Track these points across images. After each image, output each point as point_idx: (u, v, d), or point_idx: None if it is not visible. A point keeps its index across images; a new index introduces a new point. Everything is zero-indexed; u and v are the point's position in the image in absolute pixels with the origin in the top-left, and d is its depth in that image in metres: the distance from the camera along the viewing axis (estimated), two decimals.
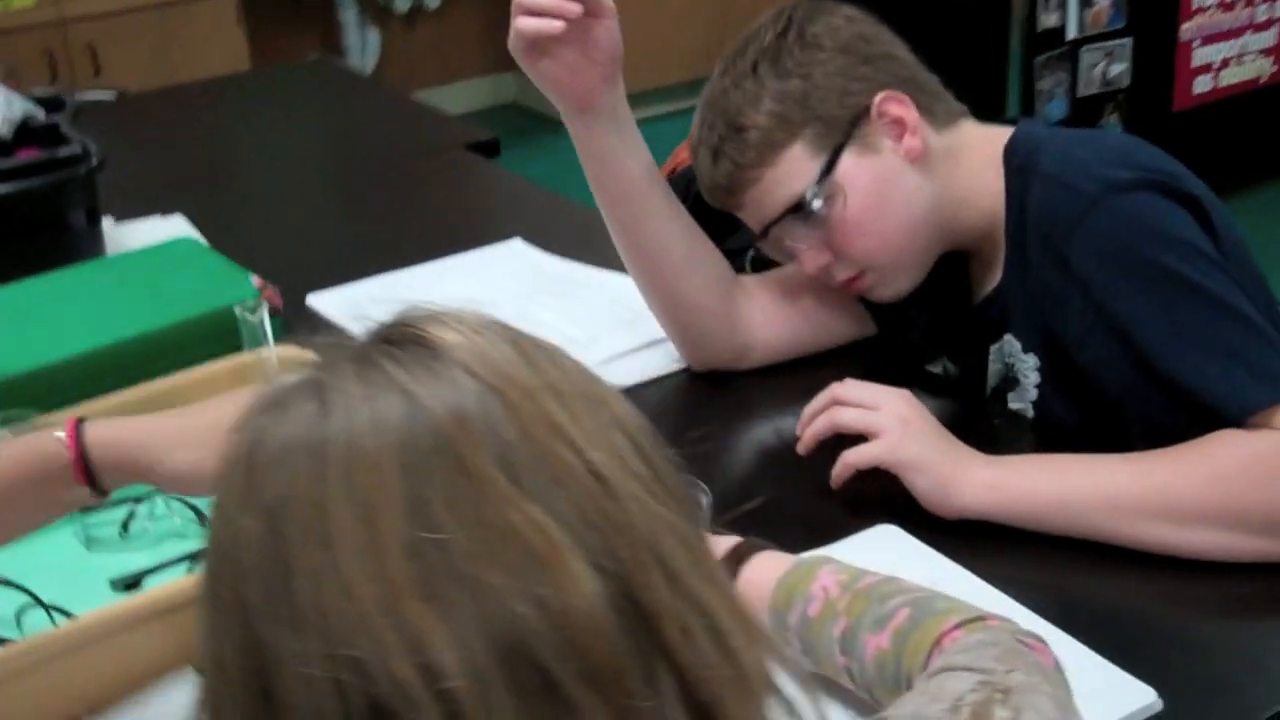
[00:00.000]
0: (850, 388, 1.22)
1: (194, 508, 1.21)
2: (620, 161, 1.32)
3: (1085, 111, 3.18)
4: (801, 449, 1.24)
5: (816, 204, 1.27)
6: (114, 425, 0.98)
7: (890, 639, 0.89)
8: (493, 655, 0.51)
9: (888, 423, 1.18)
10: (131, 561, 1.17)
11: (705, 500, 1.23)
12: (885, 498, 1.19)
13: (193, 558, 1.16)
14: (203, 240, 1.79)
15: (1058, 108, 3.07)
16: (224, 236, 1.81)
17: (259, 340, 1.26)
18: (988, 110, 1.39)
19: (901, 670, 0.88)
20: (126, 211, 1.90)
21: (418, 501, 0.52)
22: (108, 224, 1.87)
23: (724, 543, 1.02)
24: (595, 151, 1.32)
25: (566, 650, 0.52)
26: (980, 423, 1.37)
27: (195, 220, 1.87)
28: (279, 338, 1.39)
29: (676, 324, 1.44)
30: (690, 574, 0.56)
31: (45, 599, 1.06)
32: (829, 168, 1.26)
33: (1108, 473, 1.15)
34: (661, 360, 1.46)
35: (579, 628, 0.52)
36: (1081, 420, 1.30)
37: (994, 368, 1.38)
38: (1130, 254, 1.20)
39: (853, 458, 1.20)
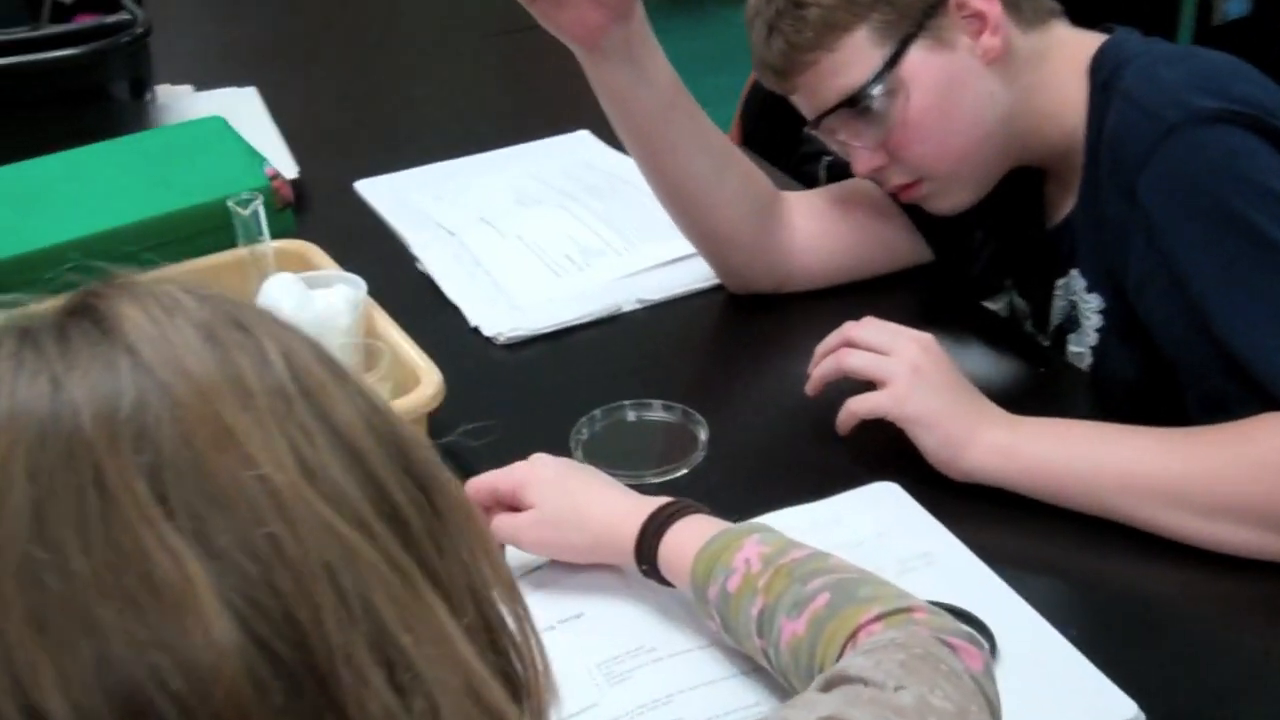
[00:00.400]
0: (864, 328, 1.11)
1: None
2: (635, 98, 1.21)
3: (1272, 9, 2.88)
4: (809, 390, 1.14)
5: (875, 99, 1.14)
6: None
7: (806, 625, 0.81)
8: (108, 707, 0.43)
9: (897, 370, 1.07)
10: None
11: (702, 435, 1.14)
12: (896, 451, 1.08)
13: None
14: (266, 114, 1.75)
15: (1236, 6, 2.79)
16: (288, 113, 1.77)
17: (252, 235, 1.21)
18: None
19: (815, 661, 0.80)
20: (209, 81, 1.87)
21: (41, 514, 0.45)
22: (184, 91, 1.85)
23: (652, 503, 0.94)
24: (606, 89, 1.21)
25: (196, 709, 0.44)
26: (1031, 375, 1.24)
27: (267, 94, 1.83)
28: (288, 232, 1.34)
29: (709, 254, 1.33)
30: (391, 619, 0.47)
31: None
32: (893, 60, 1.13)
33: (1134, 448, 1.02)
34: (699, 274, 1.36)
35: (211, 683, 0.44)
36: (1140, 377, 1.17)
37: (1058, 304, 1.25)
38: (1198, 193, 1.05)
39: (856, 405, 1.09)
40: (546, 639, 0.90)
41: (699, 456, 1.13)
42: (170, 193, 1.27)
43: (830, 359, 1.12)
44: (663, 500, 0.94)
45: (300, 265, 1.26)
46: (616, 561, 0.95)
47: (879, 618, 0.78)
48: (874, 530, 1.03)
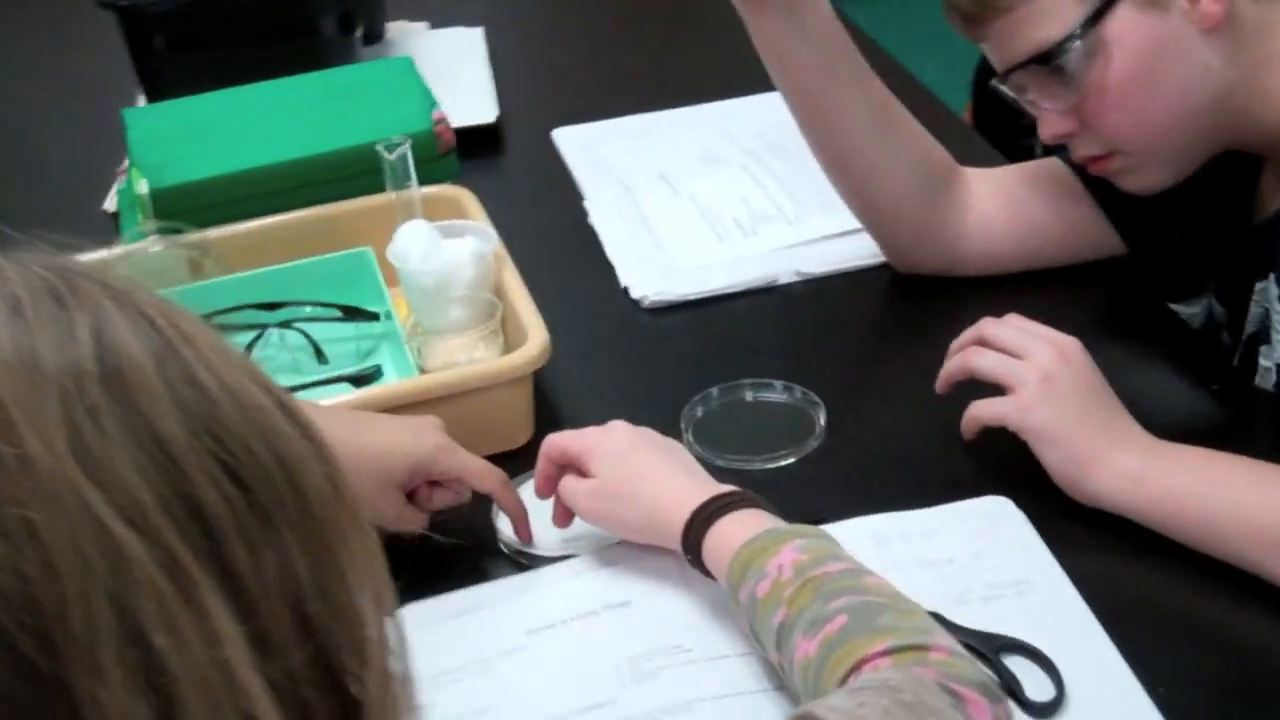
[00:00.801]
0: (1001, 326, 1.01)
1: (315, 345, 1.19)
2: (793, 54, 1.13)
3: None
4: (938, 387, 1.05)
5: (1071, 58, 1.02)
6: None
7: (819, 647, 0.75)
8: None
9: (1026, 377, 0.97)
10: None
11: (819, 423, 1.07)
12: (1024, 463, 0.98)
13: (297, 389, 1.13)
14: (484, 56, 1.76)
15: None
16: (511, 55, 1.77)
17: (400, 180, 1.20)
18: None
19: (820, 685, 0.73)
20: (444, 19, 1.89)
21: None
22: (417, 29, 1.87)
23: (711, 489, 0.88)
24: (765, 42, 1.14)
25: None
26: (1206, 394, 1.11)
27: (494, 34, 1.84)
28: (452, 177, 1.34)
29: (871, 228, 1.25)
30: (149, 618, 0.44)
31: None
32: (1096, 16, 1.01)
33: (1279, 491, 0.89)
34: (866, 250, 1.28)
35: None
36: None
37: (1254, 310, 1.11)
38: None
39: (979, 410, 1.00)
40: (587, 624, 0.89)
41: (811, 445, 1.06)
42: (334, 132, 1.28)
43: (958, 357, 1.02)
44: (722, 488, 0.88)
45: (453, 212, 1.25)
46: (667, 545, 0.90)
47: (888, 652, 0.71)
48: (971, 549, 0.94)
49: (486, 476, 0.96)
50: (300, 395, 1.08)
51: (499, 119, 1.59)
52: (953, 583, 0.92)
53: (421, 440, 0.95)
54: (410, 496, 0.96)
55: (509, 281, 1.15)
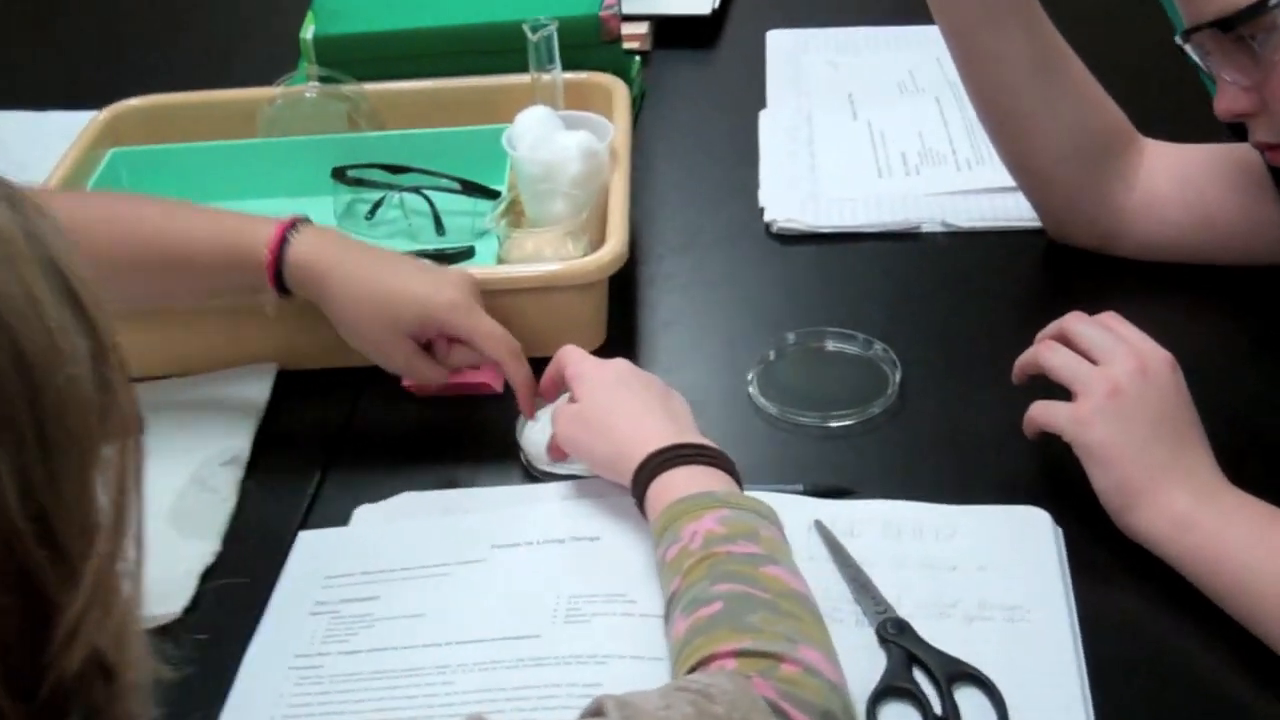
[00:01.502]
0: (1088, 323, 0.90)
1: (436, 214, 1.19)
2: None
3: None
4: (1014, 376, 0.95)
5: (1258, 29, 0.88)
6: (321, 241, 0.97)
7: (687, 630, 0.71)
8: None
9: (1093, 386, 0.86)
10: None
11: (890, 385, 1.00)
12: (1083, 476, 0.88)
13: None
14: None
15: None
16: None
17: (542, 62, 1.18)
18: None
19: (674, 670, 0.69)
20: None
21: None
22: None
23: (679, 438, 0.84)
24: None
25: None
26: None
27: None
28: (617, 67, 1.30)
29: (1023, 188, 1.13)
30: None
31: None
32: None
33: None
34: (1024, 211, 1.16)
35: None
36: None
37: None
38: None
39: (1038, 413, 0.90)
40: (548, 552, 0.86)
41: (872, 411, 0.99)
42: (501, 6, 1.25)
43: (1033, 349, 0.92)
44: (691, 439, 0.83)
45: (601, 101, 1.23)
46: (624, 483, 0.86)
47: (739, 654, 0.66)
48: (980, 560, 0.86)
49: (497, 343, 0.95)
50: None
51: (717, 12, 1.53)
52: (945, 592, 0.84)
53: (438, 293, 0.94)
54: (431, 349, 0.97)
55: (616, 183, 1.11)
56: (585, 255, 1.07)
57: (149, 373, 1.05)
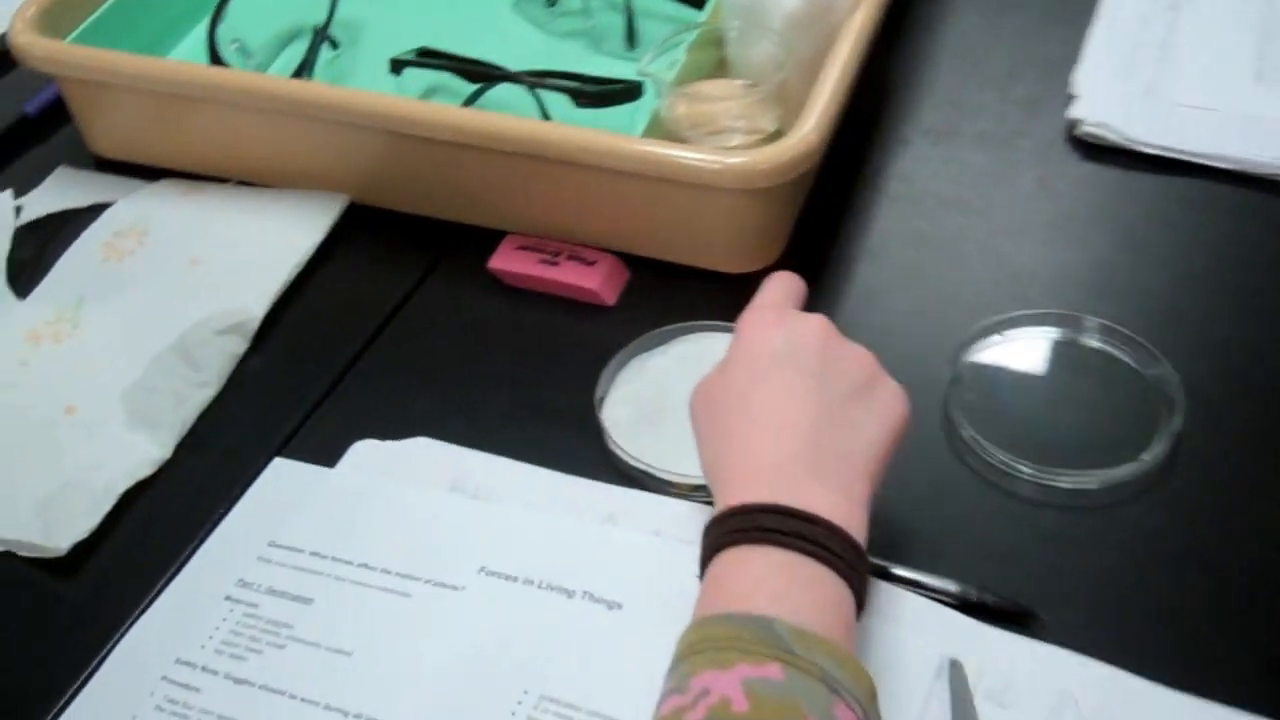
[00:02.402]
0: None
1: (631, 18, 0.88)
2: None
3: None
4: None
5: None
6: None
7: None
8: None
9: None
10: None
11: (1170, 418, 0.66)
12: None
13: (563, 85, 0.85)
14: None
15: None
16: None
17: None
18: None
19: None
20: None
21: None
22: None
23: (797, 490, 0.54)
24: None
25: None
26: None
27: None
28: None
29: None
30: None
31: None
32: None
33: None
34: None
35: None
36: None
37: None
38: None
39: None
40: (553, 607, 0.59)
41: (1121, 473, 0.65)
42: None
43: None
44: (816, 505, 0.53)
45: None
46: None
47: None
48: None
49: None
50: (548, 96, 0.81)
51: None
52: None
53: None
54: None
55: (843, 44, 0.76)
56: (769, 136, 0.75)
57: (216, 170, 0.83)
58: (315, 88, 0.76)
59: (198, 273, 0.77)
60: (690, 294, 0.74)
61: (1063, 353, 0.70)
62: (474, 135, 0.73)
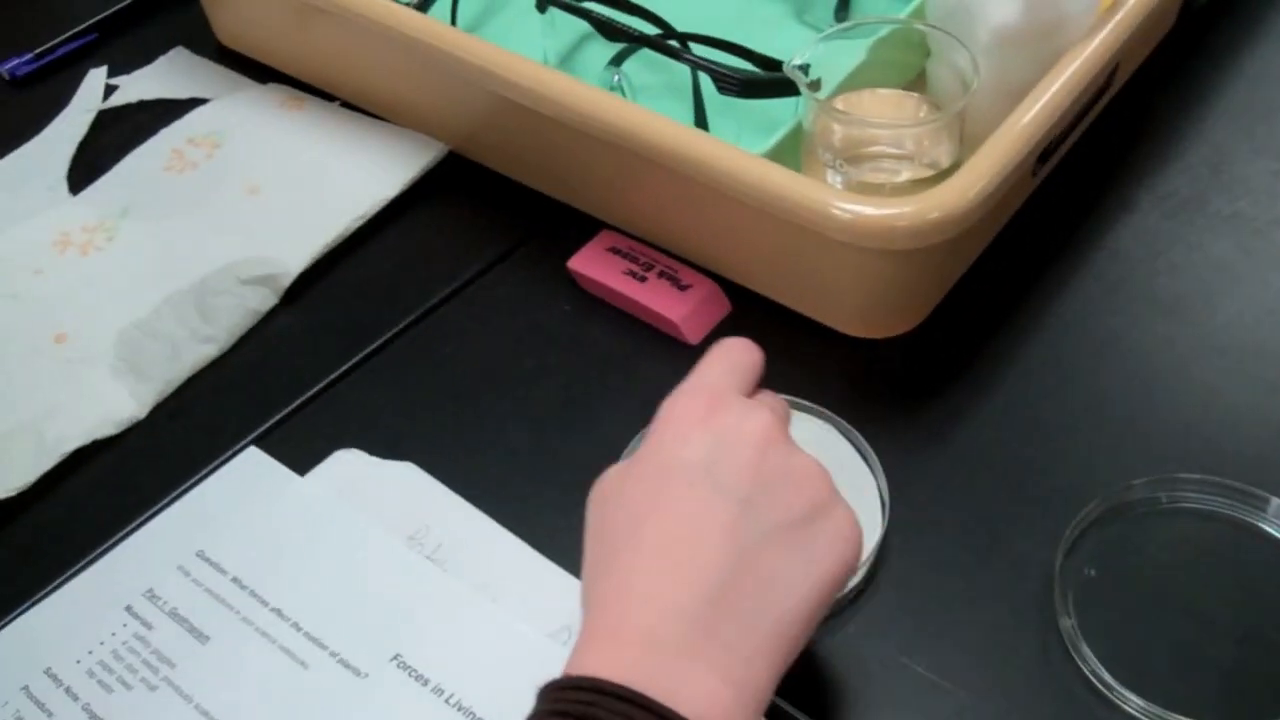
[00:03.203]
0: None
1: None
2: None
3: None
4: None
5: None
6: None
7: None
8: None
9: None
10: None
11: None
12: None
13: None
14: None
15: None
16: None
17: None
18: None
19: None
20: None
21: None
22: None
23: (673, 658, 0.40)
24: None
25: None
26: None
27: None
28: None
29: None
30: None
31: None
32: None
33: None
34: None
35: None
36: None
37: None
38: None
39: None
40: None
41: None
42: None
43: None
44: (669, 682, 0.39)
45: None
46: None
47: None
48: None
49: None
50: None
51: None
52: None
53: None
54: None
55: (1061, 71, 0.59)
56: (940, 174, 0.59)
57: (327, 85, 0.75)
58: (432, 25, 0.65)
59: (251, 204, 0.68)
60: (795, 353, 0.60)
61: (1231, 538, 0.53)
62: (571, 113, 0.60)
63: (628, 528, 0.42)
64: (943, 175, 0.59)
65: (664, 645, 0.39)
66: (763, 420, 0.44)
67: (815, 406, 0.57)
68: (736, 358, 0.47)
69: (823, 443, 0.56)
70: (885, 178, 0.60)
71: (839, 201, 0.55)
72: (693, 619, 0.40)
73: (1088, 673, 0.49)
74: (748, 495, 0.42)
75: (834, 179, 0.59)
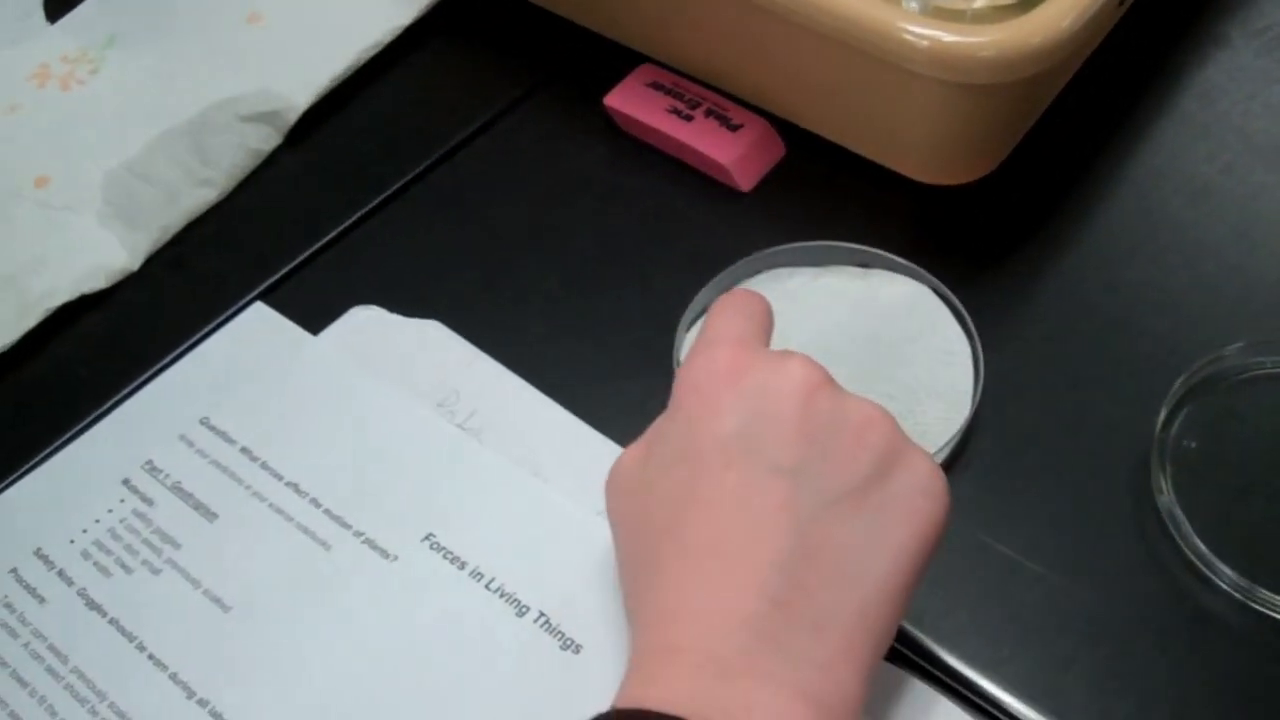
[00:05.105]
0: None
1: None
2: None
3: None
4: None
5: None
6: None
7: None
8: None
9: None
10: None
11: None
12: None
13: None
14: None
15: None
16: None
17: None
18: None
19: None
20: None
21: None
22: None
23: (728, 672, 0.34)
24: None
25: None
26: None
27: None
28: None
29: None
30: None
31: None
32: None
33: None
34: None
35: None
36: None
37: None
38: None
39: None
40: (496, 624, 0.42)
41: None
42: None
43: None
44: (737, 701, 0.33)
45: None
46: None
47: None
48: None
49: None
50: None
51: None
52: None
53: None
54: None
55: None
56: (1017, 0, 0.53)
57: None
58: None
59: (252, 33, 0.61)
60: (860, 200, 0.54)
61: None
62: None
63: (666, 527, 0.36)
64: (1025, 4, 0.52)
65: (725, 665, 0.33)
66: (799, 369, 0.37)
67: (903, 261, 0.51)
68: (744, 305, 0.41)
69: (915, 307, 0.50)
70: (964, 3, 0.53)
71: (914, 26, 0.48)
72: (756, 630, 0.34)
73: (1189, 553, 0.44)
74: (798, 464, 0.36)
75: (909, 3, 0.52)
